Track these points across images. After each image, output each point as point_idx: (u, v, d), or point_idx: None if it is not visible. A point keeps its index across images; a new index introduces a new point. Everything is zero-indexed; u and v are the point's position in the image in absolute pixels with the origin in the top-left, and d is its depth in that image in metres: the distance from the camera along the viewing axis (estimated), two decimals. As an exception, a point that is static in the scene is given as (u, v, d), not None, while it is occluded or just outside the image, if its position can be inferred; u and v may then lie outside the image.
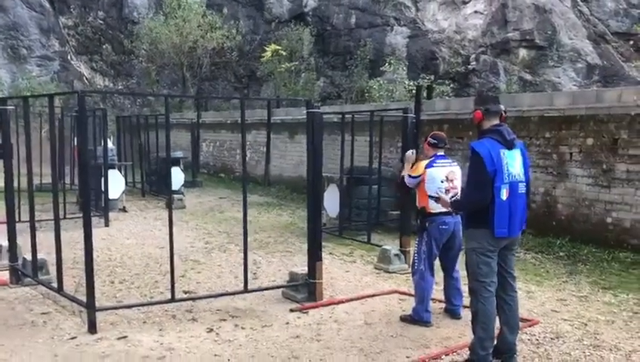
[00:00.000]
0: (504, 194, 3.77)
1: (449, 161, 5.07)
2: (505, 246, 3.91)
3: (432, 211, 4.90)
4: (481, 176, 3.77)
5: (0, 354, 4.15)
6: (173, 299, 5.04)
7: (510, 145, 3.85)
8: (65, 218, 8.35)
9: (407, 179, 5.08)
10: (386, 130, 9.30)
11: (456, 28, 24.68)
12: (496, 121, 3.90)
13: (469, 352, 4.00)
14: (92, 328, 4.58)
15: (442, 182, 4.86)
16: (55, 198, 5.21)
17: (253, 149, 15.22)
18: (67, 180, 11.90)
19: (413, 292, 5.67)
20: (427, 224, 4.93)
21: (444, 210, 4.83)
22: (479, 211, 3.84)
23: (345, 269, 6.83)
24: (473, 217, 3.90)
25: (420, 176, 4.93)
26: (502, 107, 3.94)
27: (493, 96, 4.09)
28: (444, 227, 4.91)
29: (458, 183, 4.96)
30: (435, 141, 5.10)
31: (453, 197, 4.73)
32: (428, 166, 4.93)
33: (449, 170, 4.96)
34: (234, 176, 16.72)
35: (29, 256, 5.91)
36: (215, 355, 4.21)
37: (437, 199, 4.55)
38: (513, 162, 3.85)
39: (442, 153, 5.11)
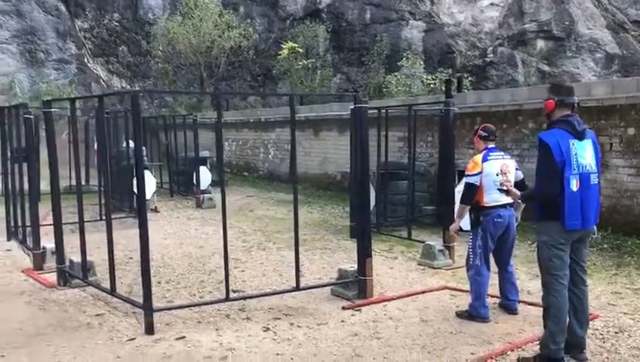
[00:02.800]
0: (574, 185, 3.70)
1: (502, 154, 5.02)
2: (578, 238, 3.83)
3: (486, 205, 4.82)
4: (550, 167, 3.70)
5: (64, 356, 4.14)
6: (227, 299, 5.00)
7: (581, 136, 3.78)
8: (101, 219, 8.38)
9: (469, 180, 4.84)
10: (417, 124, 9.19)
11: (472, 21, 24.47)
12: (568, 112, 3.83)
13: (539, 347, 3.93)
14: (149, 329, 4.56)
15: (497, 175, 4.78)
16: (107, 200, 5.21)
17: (277, 147, 15.18)
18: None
19: (463, 287, 5.62)
20: (482, 218, 4.84)
21: (499, 203, 4.77)
22: (549, 203, 3.76)
23: (388, 266, 6.77)
24: (544, 209, 3.82)
25: (480, 172, 4.81)
26: (576, 99, 3.86)
27: (568, 86, 3.99)
28: (499, 220, 4.83)
29: (512, 177, 4.88)
30: (486, 133, 5.05)
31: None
32: (483, 159, 4.84)
33: (502, 162, 4.89)
34: (258, 175, 16.71)
35: (74, 258, 5.91)
36: (277, 354, 4.17)
37: (507, 192, 4.45)
38: (583, 153, 3.78)
39: (493, 145, 5.05)
